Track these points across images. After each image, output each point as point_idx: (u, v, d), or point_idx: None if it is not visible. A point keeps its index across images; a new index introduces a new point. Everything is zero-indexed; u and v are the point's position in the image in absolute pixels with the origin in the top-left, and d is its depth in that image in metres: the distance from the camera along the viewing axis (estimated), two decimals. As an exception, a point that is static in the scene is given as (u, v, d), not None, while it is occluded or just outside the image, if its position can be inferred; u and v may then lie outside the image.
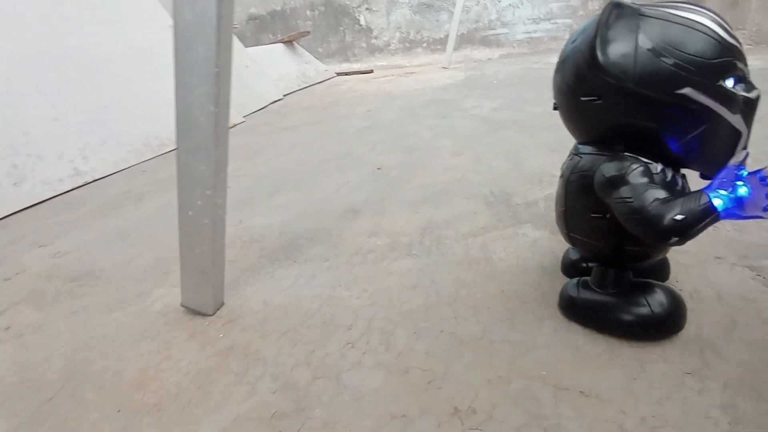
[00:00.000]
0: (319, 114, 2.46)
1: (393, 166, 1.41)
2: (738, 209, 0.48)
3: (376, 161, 1.48)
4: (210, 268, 0.69)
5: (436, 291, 0.75)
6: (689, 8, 0.54)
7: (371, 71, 4.14)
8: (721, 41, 0.52)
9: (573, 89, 0.59)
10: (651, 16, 0.54)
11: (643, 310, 0.59)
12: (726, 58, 0.52)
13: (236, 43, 3.00)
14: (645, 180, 0.54)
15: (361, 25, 4.48)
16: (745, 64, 0.55)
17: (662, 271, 0.70)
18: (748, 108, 0.55)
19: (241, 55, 2.92)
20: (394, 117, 2.12)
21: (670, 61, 0.52)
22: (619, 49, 0.53)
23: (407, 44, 4.45)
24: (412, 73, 3.84)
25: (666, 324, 0.59)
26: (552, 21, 4.38)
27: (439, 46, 4.38)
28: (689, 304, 0.64)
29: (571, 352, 0.59)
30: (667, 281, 0.70)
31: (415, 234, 0.95)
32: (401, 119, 2.06)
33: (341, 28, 4.48)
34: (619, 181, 0.54)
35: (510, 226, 0.93)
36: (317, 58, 4.26)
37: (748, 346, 0.56)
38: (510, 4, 4.37)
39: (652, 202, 0.51)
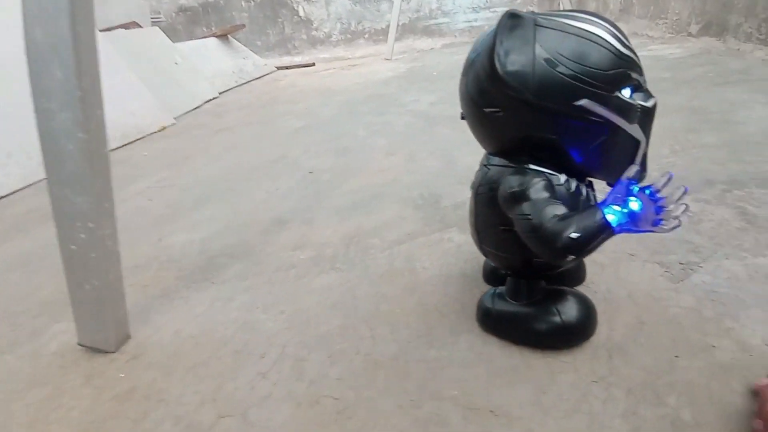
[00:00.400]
0: (256, 113, 2.38)
1: (325, 170, 1.37)
2: (631, 224, 0.48)
3: (308, 165, 1.44)
4: (107, 303, 0.64)
5: (355, 308, 0.72)
6: (585, 19, 0.53)
7: (313, 64, 4.05)
8: (616, 52, 0.51)
9: (476, 100, 0.57)
10: (547, 27, 0.52)
11: (555, 319, 0.59)
12: (621, 68, 0.52)
13: (163, 39, 2.85)
14: (545, 195, 0.53)
15: (300, 17, 4.36)
16: (641, 73, 0.55)
17: (578, 274, 0.70)
18: (646, 116, 0.55)
19: (170, 51, 2.77)
20: (331, 115, 2.08)
21: (566, 72, 0.51)
22: (516, 60, 0.52)
23: (349, 35, 4.39)
24: (354, 65, 3.79)
25: (576, 332, 0.59)
26: (491, 9, 4.43)
27: (381, 37, 4.34)
28: (602, 306, 0.65)
29: (485, 367, 0.58)
30: (584, 283, 0.70)
31: (341, 245, 0.92)
32: (339, 117, 2.01)
33: (280, 20, 4.35)
34: (521, 196, 0.53)
35: (436, 231, 0.92)
36: (256, 52, 4.12)
37: (653, 347, 0.57)
38: (448, -7, 4.38)
39: (550, 219, 0.50)
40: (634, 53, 0.54)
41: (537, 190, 0.53)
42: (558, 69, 0.51)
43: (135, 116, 2.15)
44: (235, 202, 1.21)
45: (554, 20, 0.53)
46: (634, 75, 0.53)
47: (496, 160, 0.60)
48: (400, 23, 4.36)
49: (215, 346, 0.68)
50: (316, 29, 4.37)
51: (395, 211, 1.04)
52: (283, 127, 1.99)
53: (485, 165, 0.62)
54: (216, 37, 3.53)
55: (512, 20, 0.53)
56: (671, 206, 0.46)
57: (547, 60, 0.51)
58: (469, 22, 4.42)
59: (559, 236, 0.49)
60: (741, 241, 0.75)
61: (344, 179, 1.27)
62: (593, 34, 0.51)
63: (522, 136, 0.55)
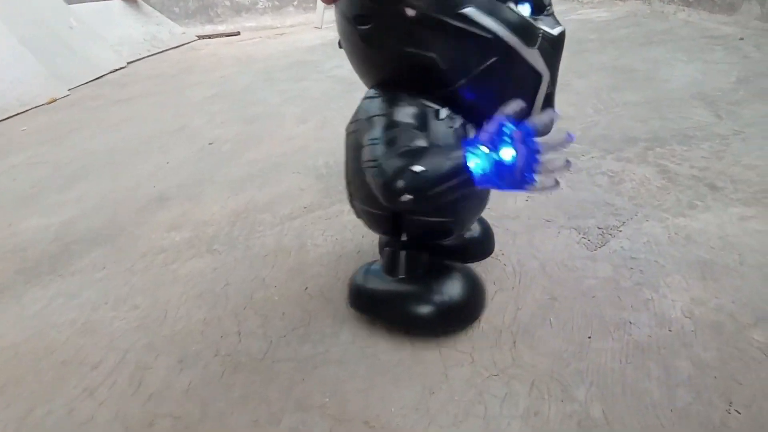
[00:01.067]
0: (166, 83, 2.14)
1: (228, 140, 1.21)
2: (497, 175, 0.35)
3: (210, 135, 1.27)
4: None
5: (225, 297, 0.59)
6: None
7: (238, 33, 3.76)
8: None
9: (349, 18, 0.45)
10: None
11: (434, 299, 0.48)
12: None
13: None
14: (408, 121, 0.41)
15: (223, -18, 4.03)
16: None
17: (485, 245, 0.61)
18: (550, 47, 0.44)
19: (63, 13, 2.45)
20: (247, 83, 1.89)
21: None
22: None
23: (277, 3, 4.11)
24: (282, 34, 3.55)
25: (456, 314, 0.49)
26: (426, -23, 4.28)
27: (311, 5, 4.09)
28: (511, 281, 0.56)
29: (366, 364, 0.47)
30: (493, 255, 0.61)
31: (225, 223, 0.78)
32: (254, 85, 1.83)
33: (200, -15, 4.00)
34: (377, 121, 0.42)
35: (336, 203, 0.80)
36: (174, 20, 3.77)
37: (563, 328, 0.49)
38: (382, -41, 4.19)
39: (398, 147, 0.39)
40: None
41: (401, 114, 0.42)
42: None
43: (16, 87, 1.86)
44: (115, 179, 1.04)
45: None
46: None
47: (372, 91, 0.48)
48: (332, -10, 4.12)
49: (38, 357, 0.53)
50: (241, -5, 4.05)
51: (295, 181, 0.91)
52: (191, 96, 1.79)
53: (362, 100, 0.50)
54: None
55: None
56: (549, 155, 0.34)
57: None
58: (403, -11, 4.26)
59: (399, 168, 0.37)
60: (661, 201, 0.69)
61: (246, 149, 1.12)
62: None
63: (397, 57, 0.44)
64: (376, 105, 0.43)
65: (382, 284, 0.51)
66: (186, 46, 3.46)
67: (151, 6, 3.42)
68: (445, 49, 0.41)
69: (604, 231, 0.63)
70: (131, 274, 0.67)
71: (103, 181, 1.03)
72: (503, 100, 0.40)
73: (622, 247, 0.60)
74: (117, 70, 2.60)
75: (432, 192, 0.37)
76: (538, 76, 0.45)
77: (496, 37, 0.40)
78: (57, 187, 1.03)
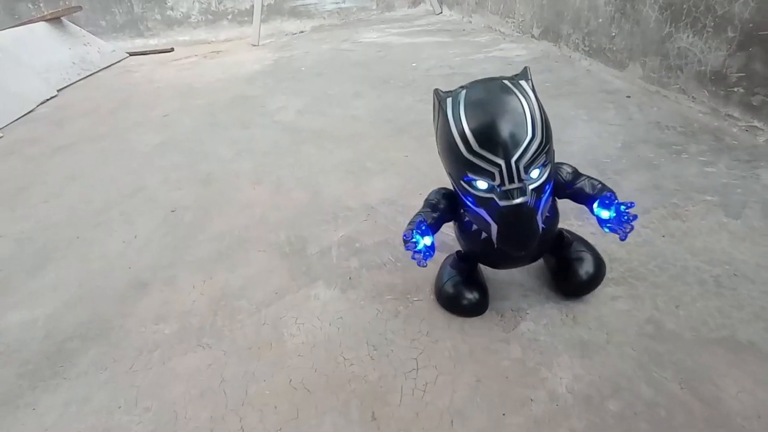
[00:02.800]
0: (105, 122, 2.14)
1: (188, 206, 1.31)
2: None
3: (170, 200, 1.36)
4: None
5: (224, 394, 0.73)
6: (479, 103, 0.66)
7: (171, 50, 3.70)
8: (464, 150, 0.64)
9: None
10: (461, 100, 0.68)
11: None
12: (465, 163, 0.65)
13: (-24, 32, 2.40)
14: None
15: (151, -6, 3.93)
16: (493, 177, 0.64)
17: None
18: (500, 210, 0.66)
19: (-14, 48, 2.35)
20: (192, 126, 1.95)
21: (439, 147, 0.72)
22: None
23: (210, 16, 4.07)
24: (218, 51, 3.55)
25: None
26: (358, -9, 4.40)
27: (246, 18, 4.10)
28: (448, 366, 0.74)
29: (346, 452, 0.63)
30: (431, 339, 0.79)
31: (207, 313, 0.91)
32: (200, 130, 1.90)
33: (126, -3, 3.88)
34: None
35: (303, 287, 0.95)
36: (101, 34, 3.65)
37: (486, 407, 0.68)
38: (314, -27, 4.25)
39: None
40: (499, 150, 0.63)
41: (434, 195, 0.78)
42: (437, 140, 0.72)
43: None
44: (85, 258, 1.11)
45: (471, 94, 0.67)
46: (479, 175, 0.65)
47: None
48: (265, 4, 4.15)
49: (71, 466, 0.65)
50: (172, 8, 3.97)
51: (263, 261, 1.04)
52: (137, 143, 1.83)
53: None
54: (46, 21, 3.04)
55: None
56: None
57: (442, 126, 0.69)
58: (337, 3, 4.36)
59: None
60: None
61: (208, 219, 1.23)
62: (459, 124, 0.65)
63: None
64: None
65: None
66: (118, 65, 3.38)
67: (75, 23, 3.29)
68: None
69: (516, 313, 0.83)
70: (134, 374, 0.78)
71: (73, 262, 1.10)
72: (478, 224, 0.74)
73: (528, 329, 0.80)
74: (48, 100, 2.54)
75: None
76: (488, 224, 0.69)
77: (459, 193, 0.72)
78: (26, 269, 1.09)
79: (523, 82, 0.67)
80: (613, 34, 1.83)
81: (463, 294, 0.83)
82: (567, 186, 0.77)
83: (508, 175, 0.63)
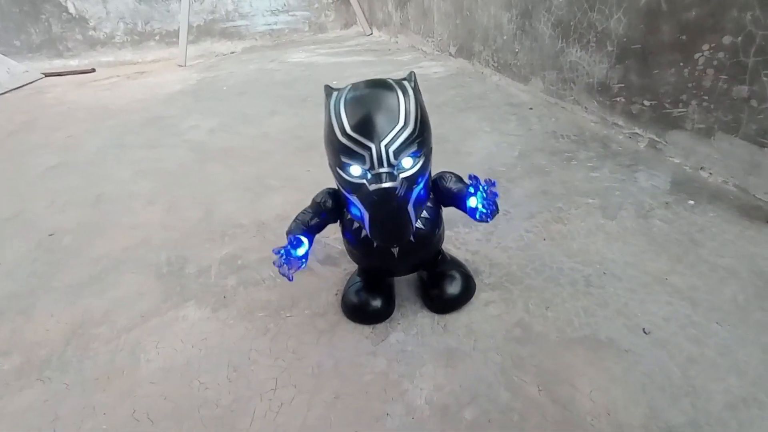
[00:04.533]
0: (1, 146, 1.99)
1: (70, 230, 1.21)
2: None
3: (50, 224, 1.26)
4: None
5: (54, 432, 0.66)
6: (358, 93, 0.67)
7: (92, 71, 3.55)
8: (341, 134, 0.65)
9: None
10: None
11: None
12: (339, 147, 0.65)
13: None
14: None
15: (70, 14, 3.77)
16: (364, 161, 0.64)
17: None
18: (369, 196, 0.65)
19: None
20: (96, 148, 1.85)
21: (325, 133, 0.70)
22: None
23: (136, 37, 3.95)
24: (143, 72, 3.43)
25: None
26: (290, 13, 4.42)
27: (174, 39, 4.00)
28: (310, 382, 0.70)
29: (177, 486, 0.58)
30: (295, 355, 0.75)
31: (59, 342, 0.83)
32: (104, 152, 1.80)
33: (43, 17, 3.70)
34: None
35: (172, 308, 0.89)
36: (15, 55, 3.46)
37: (339, 425, 0.64)
38: (245, -5, 4.23)
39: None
40: (370, 133, 0.63)
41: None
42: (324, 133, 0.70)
43: None
44: (-64, 291, 1.00)
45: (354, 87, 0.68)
46: (352, 159, 0.64)
47: None
48: (195, 25, 4.08)
49: None
50: (94, 29, 3.82)
51: (135, 284, 0.97)
52: (31, 166, 1.71)
53: None
54: (-55, 40, 2.84)
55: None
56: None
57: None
58: (269, 25, 4.35)
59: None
60: (436, 289, 0.88)
61: (89, 242, 1.15)
62: (337, 111, 0.65)
63: None
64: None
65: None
66: (30, 86, 3.20)
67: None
68: None
69: (388, 323, 0.81)
70: (-46, 417, 0.69)
71: None
72: (354, 216, 0.74)
73: (397, 340, 0.77)
74: (-59, 125, 2.34)
75: None
76: (362, 212, 0.69)
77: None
78: None
79: (405, 83, 0.69)
80: (517, 50, 1.89)
81: (363, 300, 0.81)
82: (446, 192, 0.76)
83: (378, 158, 0.64)
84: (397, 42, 3.52)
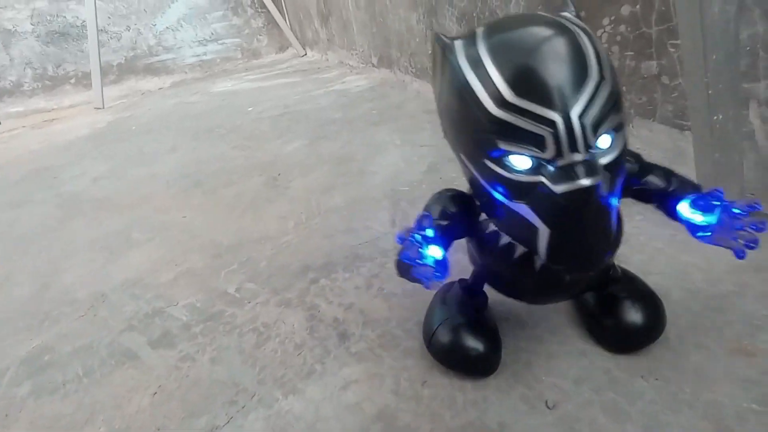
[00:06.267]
0: None
1: None
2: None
3: None
4: None
5: None
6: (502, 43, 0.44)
7: (-2, 124, 3.26)
8: (483, 114, 0.41)
9: None
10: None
11: None
12: (488, 133, 0.41)
13: None
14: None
15: (-29, 65, 3.49)
16: (539, 144, 0.40)
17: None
18: (549, 202, 0.41)
19: None
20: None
21: (443, 117, 0.50)
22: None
23: (48, 82, 3.67)
24: (54, 120, 3.16)
25: None
26: (220, 42, 4.22)
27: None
28: None
29: None
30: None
31: None
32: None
33: (-60, 71, 3.41)
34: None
35: (-73, 444, 0.64)
36: None
37: None
38: (168, 27, 4.02)
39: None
40: (552, 97, 0.38)
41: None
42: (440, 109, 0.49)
43: None
44: None
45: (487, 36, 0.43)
46: (519, 143, 0.40)
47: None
48: (115, 63, 3.84)
49: None
50: None
51: None
52: None
53: None
54: None
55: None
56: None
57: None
58: (198, 56, 4.13)
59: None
60: (287, 369, 0.66)
61: None
62: (481, 68, 0.41)
63: None
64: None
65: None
66: None
67: None
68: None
69: (213, 430, 0.58)
70: None
71: None
72: (509, 231, 0.49)
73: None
74: None
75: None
76: (532, 227, 0.44)
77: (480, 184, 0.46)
78: None
79: (567, 14, 0.44)
80: (429, 51, 1.72)
81: (464, 342, 0.58)
82: (633, 181, 0.51)
83: (569, 138, 0.38)
84: (327, 59, 3.34)
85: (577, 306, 0.65)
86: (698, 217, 0.48)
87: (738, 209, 0.45)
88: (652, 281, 0.68)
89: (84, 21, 3.47)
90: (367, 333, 0.70)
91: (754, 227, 0.43)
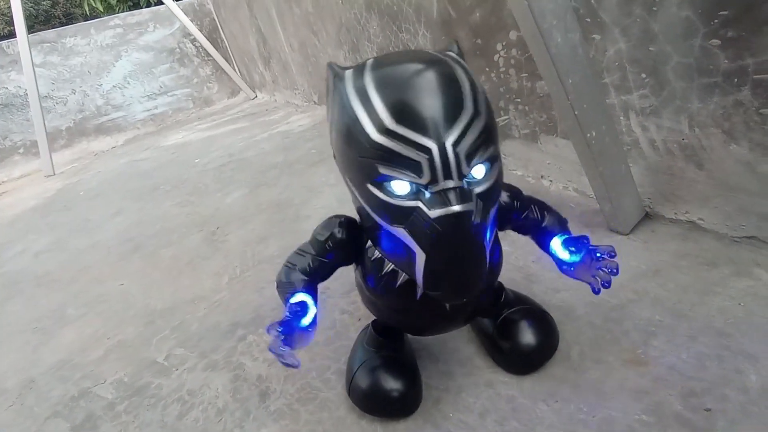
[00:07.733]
0: None
1: None
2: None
3: None
4: None
5: None
6: (385, 73, 0.47)
7: (-54, 205, 3.17)
8: (365, 140, 0.43)
9: None
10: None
11: None
12: (370, 158, 0.44)
13: None
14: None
15: None
16: (416, 170, 0.42)
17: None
18: (427, 228, 0.42)
19: None
20: None
21: (334, 143, 0.53)
22: None
23: (-4, 156, 3.61)
24: (3, 193, 3.10)
25: None
26: (170, 94, 4.23)
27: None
28: None
29: None
30: None
31: None
32: None
33: None
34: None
35: None
36: None
37: None
38: (115, 86, 4.02)
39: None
40: (427, 126, 0.41)
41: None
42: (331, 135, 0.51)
43: None
44: None
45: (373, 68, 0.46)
46: (398, 168, 0.42)
47: None
48: (64, 127, 3.80)
49: None
50: (-55, 157, 3.47)
51: None
52: None
53: None
54: None
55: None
56: None
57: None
58: (148, 111, 4.12)
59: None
60: (206, 440, 0.65)
61: None
62: (364, 96, 0.43)
63: None
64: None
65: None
66: None
67: None
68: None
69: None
70: None
71: None
72: (390, 256, 0.50)
73: None
74: None
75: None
76: (410, 252, 0.45)
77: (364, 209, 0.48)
78: None
79: (451, 53, 0.47)
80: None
81: (383, 384, 0.57)
82: (514, 216, 0.55)
83: (443, 166, 0.41)
84: (275, 100, 3.37)
85: (477, 332, 0.66)
86: (566, 255, 0.54)
87: (600, 253, 0.51)
88: (560, 298, 0.69)
89: (26, 90, 3.44)
90: (287, 388, 0.69)
91: (609, 269, 0.51)
